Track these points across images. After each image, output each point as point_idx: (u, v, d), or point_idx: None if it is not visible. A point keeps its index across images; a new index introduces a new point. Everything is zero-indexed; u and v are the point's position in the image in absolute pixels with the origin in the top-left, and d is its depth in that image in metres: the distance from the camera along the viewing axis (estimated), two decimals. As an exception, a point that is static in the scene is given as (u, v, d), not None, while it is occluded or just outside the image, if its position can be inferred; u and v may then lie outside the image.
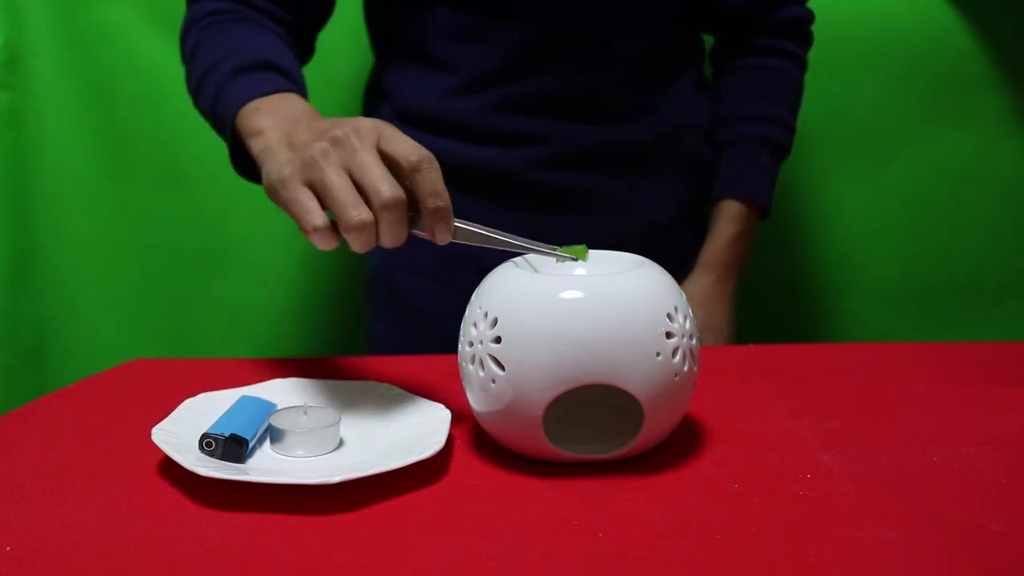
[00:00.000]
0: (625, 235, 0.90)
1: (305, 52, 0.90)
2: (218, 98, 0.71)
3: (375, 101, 0.95)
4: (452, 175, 0.89)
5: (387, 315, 0.98)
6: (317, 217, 0.54)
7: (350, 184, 0.54)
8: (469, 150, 0.88)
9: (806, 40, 0.96)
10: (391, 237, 0.54)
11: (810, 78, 1.14)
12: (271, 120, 0.64)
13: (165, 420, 0.56)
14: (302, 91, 0.73)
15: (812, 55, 1.13)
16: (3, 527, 0.46)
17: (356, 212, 0.52)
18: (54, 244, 1.17)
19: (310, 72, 0.90)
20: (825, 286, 1.22)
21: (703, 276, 0.93)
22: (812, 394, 0.65)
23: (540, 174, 0.88)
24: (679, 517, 0.46)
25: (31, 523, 0.47)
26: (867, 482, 0.50)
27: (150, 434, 0.53)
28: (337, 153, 0.54)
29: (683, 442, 0.56)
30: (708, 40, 1.00)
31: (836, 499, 0.48)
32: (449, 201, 0.54)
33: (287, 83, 0.71)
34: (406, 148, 0.54)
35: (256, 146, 0.63)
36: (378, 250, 0.98)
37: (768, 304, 1.23)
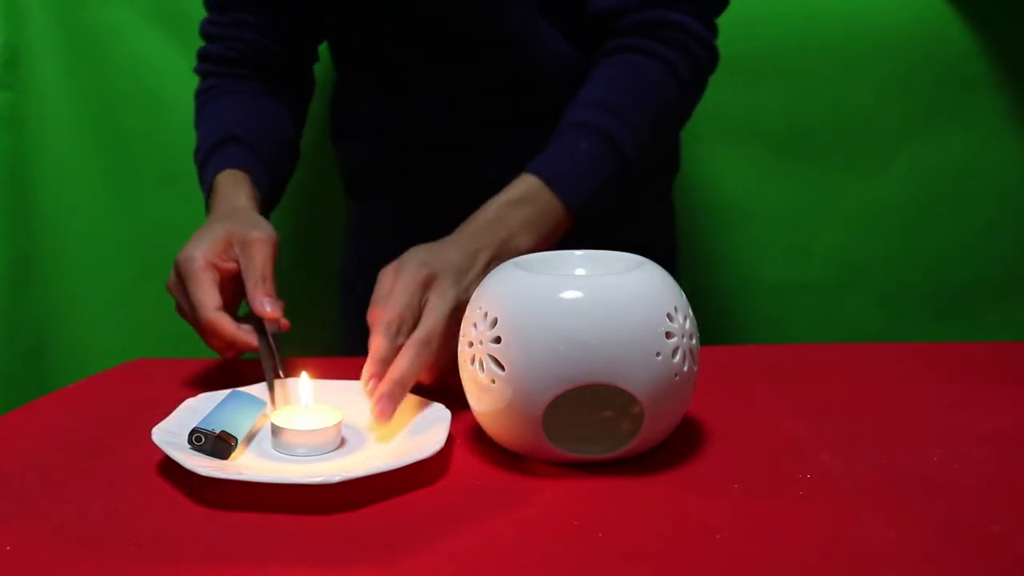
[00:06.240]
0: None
1: (303, 90, 0.97)
2: (200, 181, 0.86)
3: (342, 115, 0.98)
4: (436, 183, 0.92)
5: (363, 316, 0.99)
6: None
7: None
8: (457, 163, 0.90)
9: (676, 44, 0.86)
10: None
11: (810, 78, 1.14)
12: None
13: (165, 420, 0.56)
14: (257, 152, 0.84)
15: (812, 55, 1.13)
16: (3, 527, 0.46)
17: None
18: (54, 244, 1.17)
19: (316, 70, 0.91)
20: (825, 286, 1.22)
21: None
22: (812, 394, 0.65)
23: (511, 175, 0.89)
24: (679, 517, 0.46)
25: (31, 523, 0.47)
26: (867, 482, 0.50)
27: (150, 434, 0.53)
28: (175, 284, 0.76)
29: (683, 442, 0.56)
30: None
31: (836, 499, 0.48)
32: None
33: (241, 154, 0.83)
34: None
35: None
36: (351, 252, 0.99)
37: (767, 304, 1.23)
